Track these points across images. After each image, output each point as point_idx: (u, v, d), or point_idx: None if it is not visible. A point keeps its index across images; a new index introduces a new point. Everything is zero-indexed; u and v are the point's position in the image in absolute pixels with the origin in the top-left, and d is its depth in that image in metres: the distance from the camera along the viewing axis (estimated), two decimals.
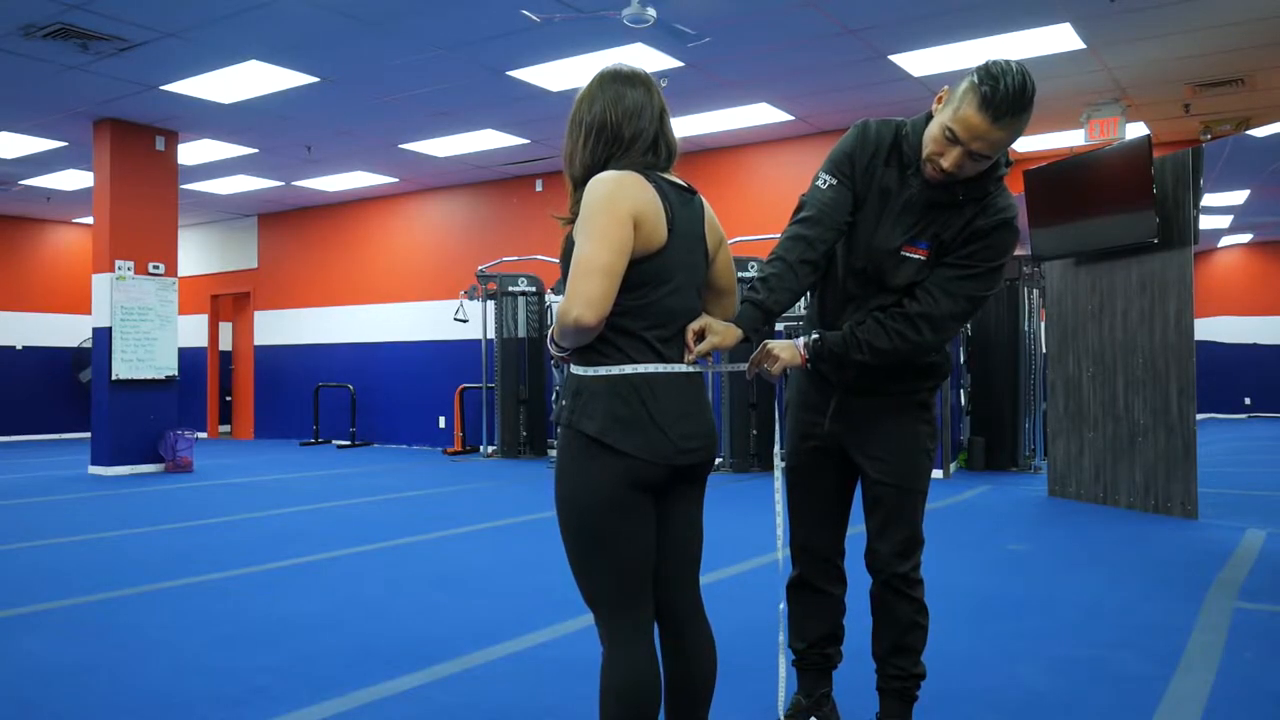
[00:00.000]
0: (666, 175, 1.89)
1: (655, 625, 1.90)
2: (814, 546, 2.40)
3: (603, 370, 1.79)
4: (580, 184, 1.86)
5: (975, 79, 1.98)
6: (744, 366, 2.14)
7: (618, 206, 1.75)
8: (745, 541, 5.05)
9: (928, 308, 2.13)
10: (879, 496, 2.28)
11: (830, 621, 2.44)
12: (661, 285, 1.82)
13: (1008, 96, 1.93)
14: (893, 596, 2.30)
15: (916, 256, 2.16)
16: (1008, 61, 1.98)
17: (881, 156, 2.18)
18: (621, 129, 1.85)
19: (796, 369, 2.25)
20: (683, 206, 1.88)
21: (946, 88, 2.09)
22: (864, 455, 2.30)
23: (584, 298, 1.71)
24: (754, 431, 8.92)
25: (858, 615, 2.48)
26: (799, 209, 2.22)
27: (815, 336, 2.16)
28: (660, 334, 1.83)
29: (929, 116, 2.14)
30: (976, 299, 2.17)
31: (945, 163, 2.04)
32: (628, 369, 1.79)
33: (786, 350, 2.13)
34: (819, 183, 2.21)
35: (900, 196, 2.16)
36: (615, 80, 1.88)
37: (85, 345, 13.62)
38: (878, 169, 2.18)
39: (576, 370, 1.83)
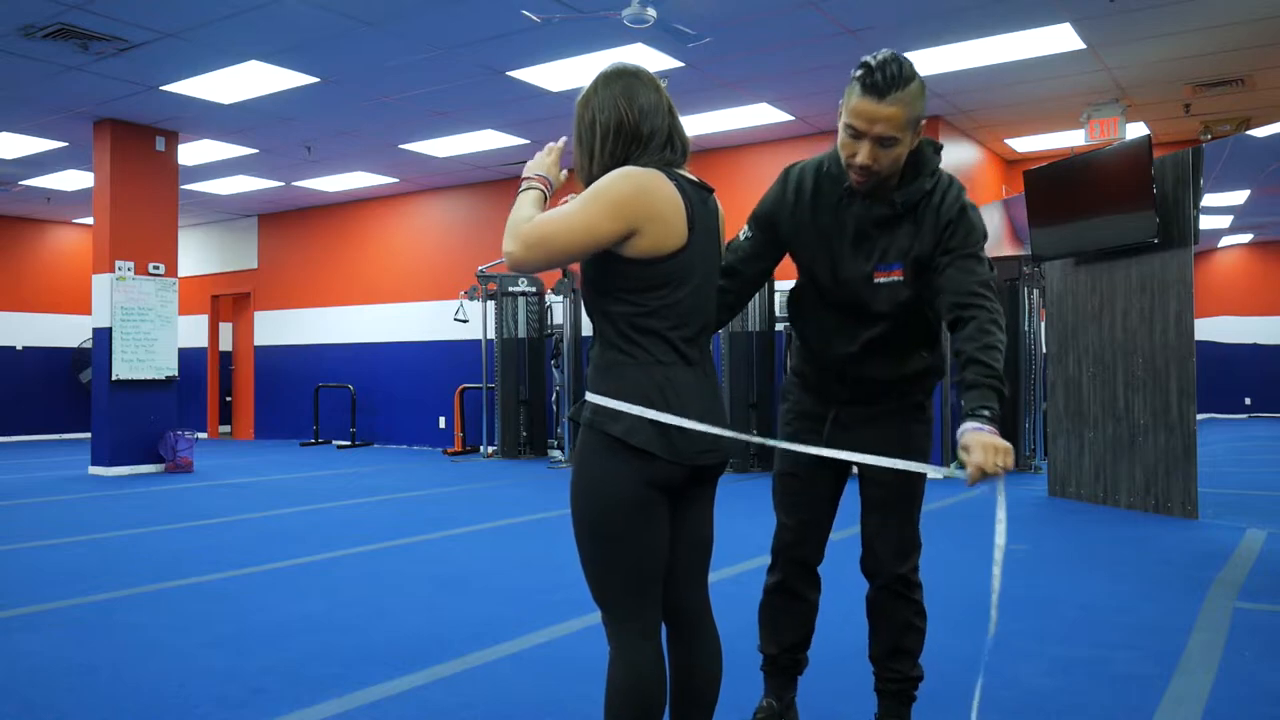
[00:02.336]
0: (683, 173, 1.88)
1: (662, 626, 1.90)
2: (801, 553, 2.40)
3: (628, 369, 1.78)
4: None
5: (852, 74, 2.05)
6: (963, 475, 1.91)
7: (622, 203, 1.73)
8: (746, 542, 5.05)
9: (988, 305, 2.03)
10: (876, 498, 2.28)
11: (805, 627, 2.45)
12: (684, 284, 1.80)
13: (884, 73, 2.00)
14: (891, 599, 2.30)
15: (892, 279, 2.14)
16: (879, 51, 2.06)
17: (806, 198, 2.21)
18: (639, 126, 1.82)
19: (792, 382, 2.39)
20: (700, 205, 1.86)
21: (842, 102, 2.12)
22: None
23: (527, 253, 1.74)
24: (754, 432, 8.92)
25: (856, 616, 2.47)
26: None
27: (987, 412, 1.92)
28: (683, 334, 1.81)
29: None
30: (992, 278, 2.12)
31: (860, 159, 2.05)
32: (654, 370, 1.78)
33: (1004, 447, 1.89)
34: (740, 233, 2.30)
35: (847, 228, 2.17)
36: (621, 76, 1.86)
37: (85, 345, 13.63)
38: (804, 213, 2.21)
39: (601, 369, 1.81)
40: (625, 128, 1.82)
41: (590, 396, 1.81)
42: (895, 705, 2.35)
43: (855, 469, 2.31)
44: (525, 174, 1.90)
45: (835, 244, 2.19)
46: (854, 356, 2.23)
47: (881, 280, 2.15)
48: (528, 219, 1.77)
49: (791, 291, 2.39)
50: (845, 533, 2.46)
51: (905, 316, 2.19)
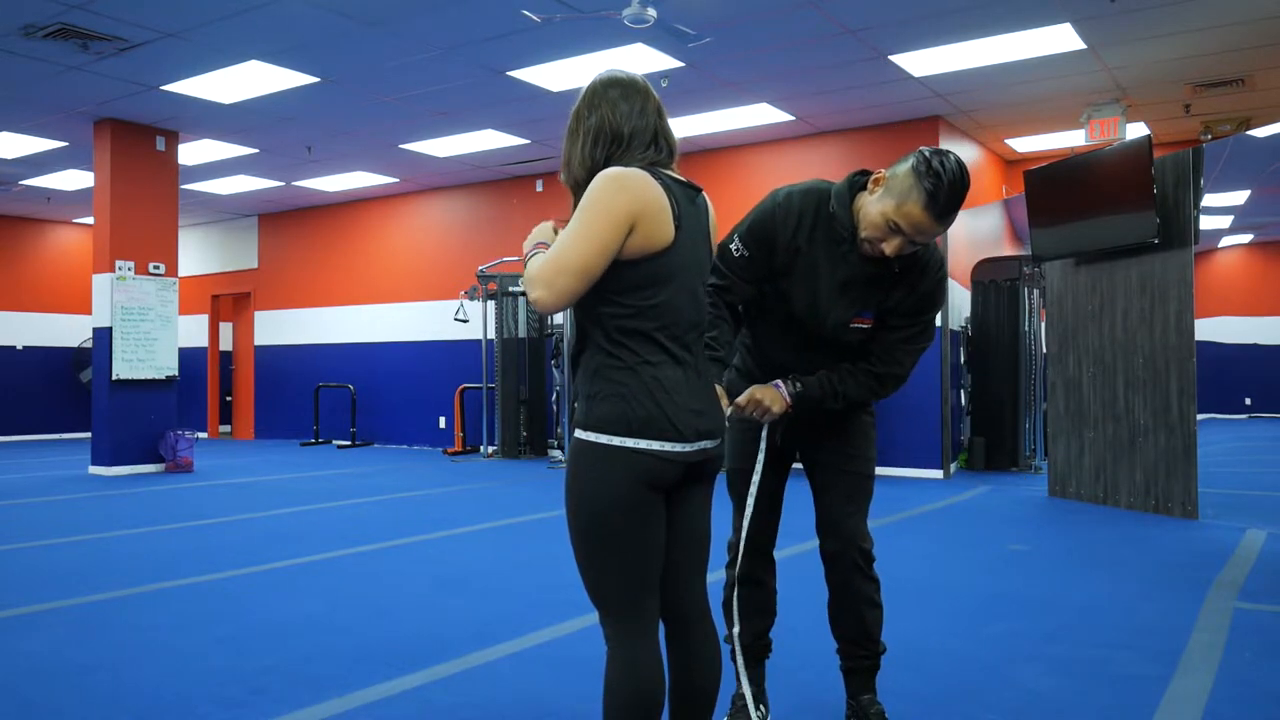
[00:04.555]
0: (670, 172, 1.89)
1: (661, 625, 1.90)
2: (762, 541, 2.53)
3: (616, 372, 1.79)
4: (581, 186, 1.86)
5: (917, 172, 2.05)
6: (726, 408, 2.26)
7: (616, 206, 1.74)
8: None
9: (896, 369, 2.31)
10: (844, 482, 2.41)
11: (771, 613, 2.58)
12: (670, 284, 1.81)
13: (952, 195, 2.03)
14: (858, 576, 2.41)
15: (864, 326, 2.30)
16: (945, 155, 2.06)
17: (805, 231, 2.25)
18: (620, 128, 1.85)
19: (741, 380, 2.47)
20: (688, 204, 1.87)
21: (883, 172, 2.15)
22: (824, 450, 2.43)
23: (551, 289, 1.73)
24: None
25: (818, 607, 2.48)
26: (713, 270, 2.33)
27: (799, 388, 2.28)
28: (671, 333, 1.82)
29: (850, 185, 2.22)
30: (926, 347, 2.36)
31: (888, 249, 2.13)
32: (641, 370, 1.78)
33: (777, 402, 2.26)
34: (732, 246, 2.31)
35: (839, 272, 2.25)
36: (610, 85, 1.89)
37: (86, 345, 13.63)
38: (801, 244, 2.26)
39: (589, 372, 1.83)
40: (606, 130, 1.85)
41: (577, 433, 1.82)
42: (867, 679, 2.47)
43: (799, 458, 2.50)
44: (525, 247, 1.89)
45: (823, 284, 2.26)
46: (809, 371, 2.37)
47: (855, 326, 2.29)
48: (539, 265, 1.78)
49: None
50: (804, 546, 2.47)
51: (862, 347, 2.36)
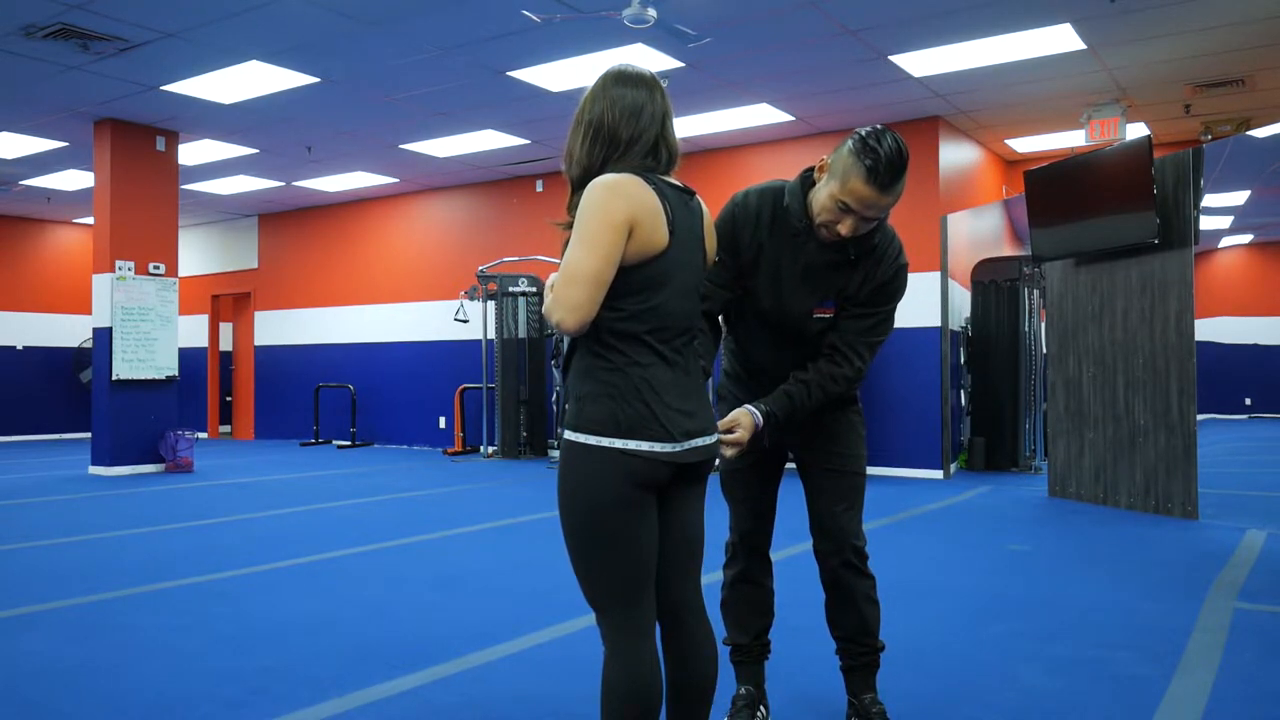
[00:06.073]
0: (665, 177, 1.89)
1: (657, 625, 1.91)
2: (758, 541, 2.54)
3: (605, 373, 1.79)
4: (578, 185, 1.86)
5: (854, 151, 2.12)
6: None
7: (613, 213, 1.74)
8: None
9: (857, 362, 2.33)
10: (834, 482, 2.43)
11: (769, 613, 2.59)
12: (663, 288, 1.81)
13: (890, 165, 2.09)
14: (852, 575, 2.42)
15: (826, 316, 2.34)
16: (882, 131, 2.14)
17: (764, 227, 2.32)
18: (618, 131, 1.84)
19: (730, 385, 2.52)
20: (682, 207, 1.87)
21: (826, 159, 2.23)
22: (816, 450, 2.45)
23: (567, 304, 1.75)
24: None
25: (814, 609, 2.48)
26: None
27: (770, 412, 2.30)
28: (662, 336, 1.83)
29: (803, 181, 2.29)
30: (884, 340, 2.40)
31: (843, 230, 2.19)
32: (630, 371, 1.79)
33: (750, 428, 2.27)
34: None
35: (798, 262, 2.31)
36: (618, 81, 1.88)
37: (86, 345, 13.63)
38: (763, 240, 2.33)
39: (579, 373, 1.84)
40: (604, 130, 1.84)
41: (567, 434, 1.83)
42: (867, 677, 2.48)
43: (792, 458, 2.52)
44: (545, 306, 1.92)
45: (785, 275, 2.32)
46: (790, 369, 2.39)
47: (818, 315, 2.33)
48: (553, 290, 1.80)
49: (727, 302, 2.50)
50: (802, 546, 2.47)
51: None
